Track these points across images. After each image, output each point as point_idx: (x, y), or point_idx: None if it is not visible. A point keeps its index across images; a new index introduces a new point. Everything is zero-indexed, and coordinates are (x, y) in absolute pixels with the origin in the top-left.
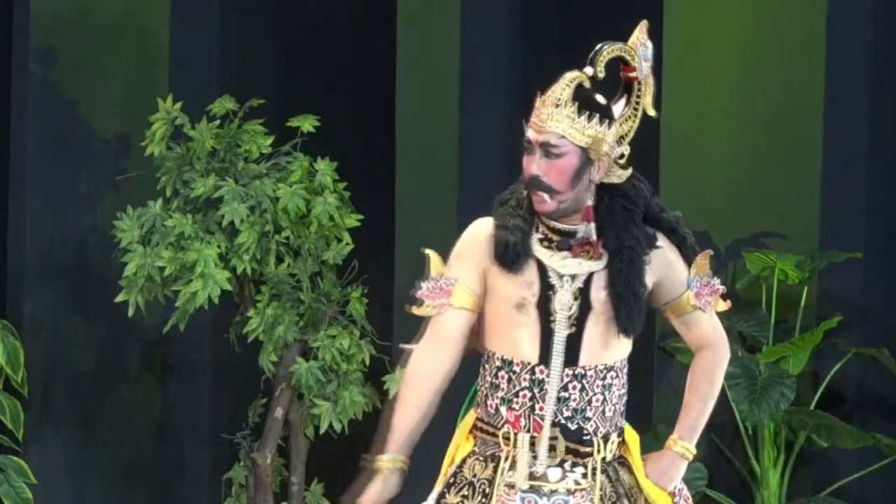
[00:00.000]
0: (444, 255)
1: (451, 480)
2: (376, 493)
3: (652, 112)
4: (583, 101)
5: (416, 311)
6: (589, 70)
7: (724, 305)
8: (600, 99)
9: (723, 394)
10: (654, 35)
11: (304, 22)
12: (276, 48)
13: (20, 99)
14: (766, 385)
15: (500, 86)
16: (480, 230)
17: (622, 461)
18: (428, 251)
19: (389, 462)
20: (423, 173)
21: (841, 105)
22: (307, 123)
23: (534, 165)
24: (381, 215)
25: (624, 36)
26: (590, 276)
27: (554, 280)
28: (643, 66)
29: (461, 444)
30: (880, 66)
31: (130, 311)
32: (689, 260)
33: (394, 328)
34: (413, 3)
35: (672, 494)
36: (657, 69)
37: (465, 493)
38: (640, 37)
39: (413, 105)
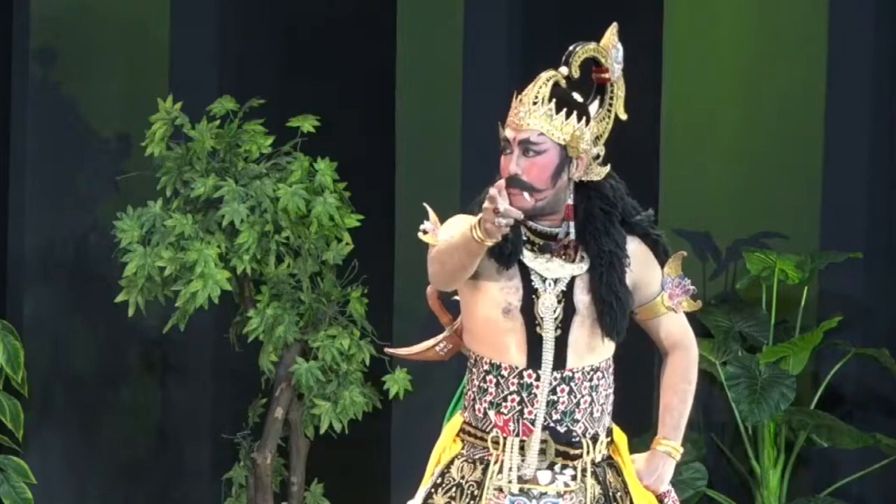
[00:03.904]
0: None
1: (439, 481)
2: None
3: (623, 115)
4: (560, 98)
5: (422, 237)
6: (564, 70)
7: (693, 305)
8: (577, 97)
9: (723, 394)
10: (655, 35)
11: (304, 22)
12: (276, 48)
13: (20, 99)
14: (766, 385)
15: (500, 85)
16: (469, 220)
17: (610, 462)
18: (427, 206)
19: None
20: (423, 173)
21: (842, 105)
22: (307, 123)
23: (513, 164)
24: (381, 215)
25: (624, 34)
26: (572, 280)
27: (537, 284)
28: (615, 68)
29: (448, 446)
30: (882, 66)
31: (130, 311)
32: (661, 262)
33: (394, 328)
34: (414, 2)
35: (662, 497)
36: (657, 69)
37: (453, 494)
38: (611, 39)
39: (413, 105)
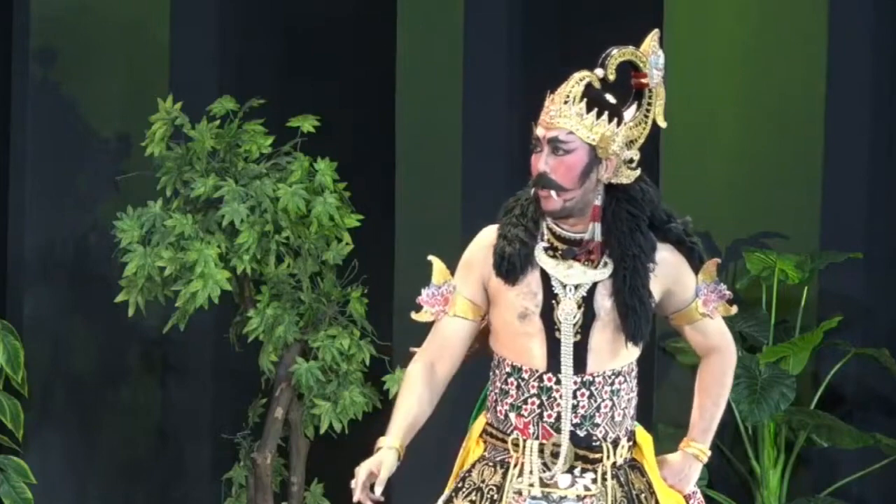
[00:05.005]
0: (446, 259)
1: (460, 485)
2: (373, 461)
3: (662, 123)
4: (592, 99)
5: (415, 316)
6: (599, 71)
7: (729, 310)
8: (610, 98)
9: None
10: None
11: (304, 22)
12: (276, 48)
13: (20, 99)
14: (766, 385)
15: (501, 85)
16: (484, 239)
17: (633, 464)
18: (432, 258)
19: (387, 442)
20: (423, 173)
21: (842, 105)
22: (307, 123)
23: (541, 162)
24: (381, 215)
25: (624, 33)
26: (594, 285)
27: (557, 289)
28: (654, 75)
29: (472, 449)
30: (882, 66)
31: (130, 311)
32: (696, 268)
33: (394, 328)
34: (414, 2)
35: (687, 498)
36: None
37: (473, 498)
38: (651, 45)
39: (413, 105)
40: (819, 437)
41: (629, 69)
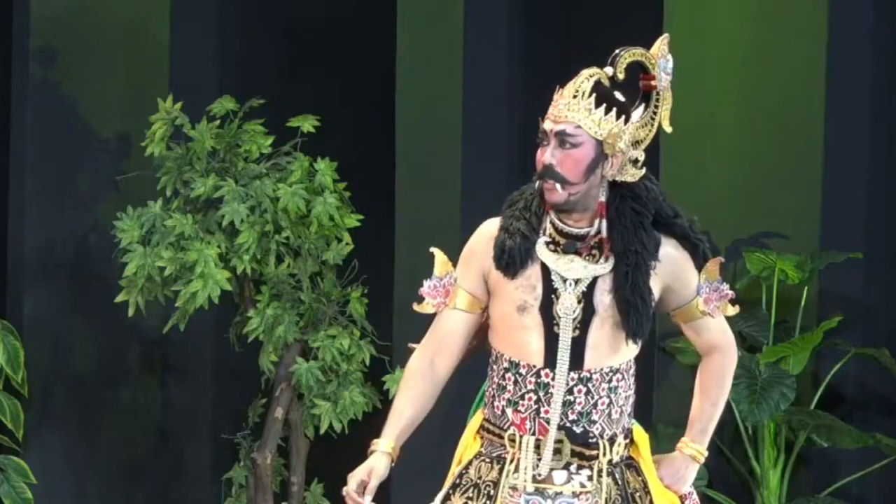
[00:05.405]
0: (447, 254)
1: (457, 482)
2: (363, 469)
3: (668, 127)
4: (601, 95)
5: (416, 307)
6: (609, 70)
7: (732, 310)
8: (619, 96)
9: None
10: (655, 35)
11: (305, 22)
12: (276, 48)
13: (20, 99)
14: (766, 385)
15: (501, 85)
16: (486, 231)
17: (629, 463)
18: (434, 250)
19: (380, 446)
20: (423, 173)
21: (842, 105)
22: (307, 123)
23: (548, 154)
24: (381, 215)
25: (624, 33)
26: (594, 281)
27: (557, 284)
28: (662, 78)
29: (469, 445)
30: (882, 66)
31: (130, 311)
32: (700, 266)
33: (394, 328)
34: (414, 2)
35: (683, 498)
36: None
37: (470, 494)
38: (661, 49)
39: (413, 105)
40: (819, 437)
41: (638, 70)
